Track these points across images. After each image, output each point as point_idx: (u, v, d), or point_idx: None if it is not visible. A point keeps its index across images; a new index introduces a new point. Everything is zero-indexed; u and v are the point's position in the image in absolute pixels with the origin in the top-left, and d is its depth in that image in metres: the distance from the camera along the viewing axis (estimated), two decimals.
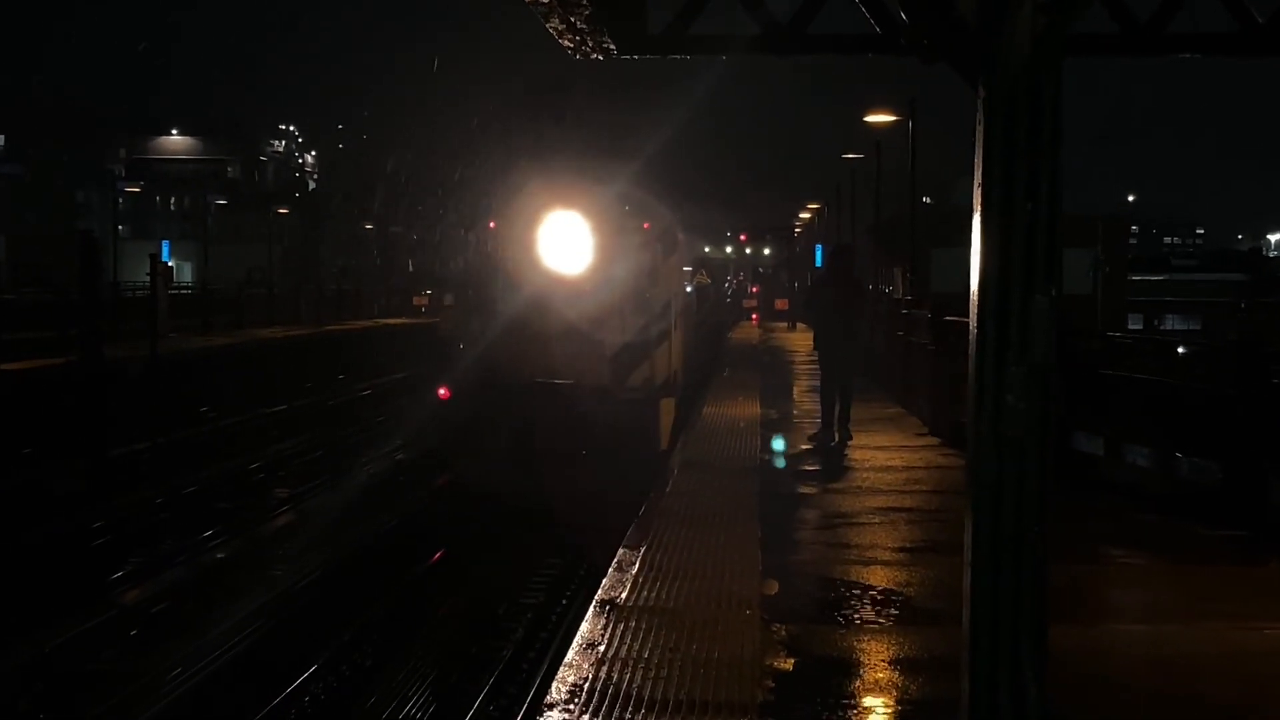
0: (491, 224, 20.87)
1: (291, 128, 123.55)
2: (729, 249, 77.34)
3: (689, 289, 30.30)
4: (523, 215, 19.87)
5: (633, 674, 7.15)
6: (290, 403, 31.96)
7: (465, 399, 19.77)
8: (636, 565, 9.72)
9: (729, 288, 73.03)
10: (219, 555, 17.41)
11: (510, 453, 18.39)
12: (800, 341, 40.87)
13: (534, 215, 19.71)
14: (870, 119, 33.70)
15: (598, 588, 9.25)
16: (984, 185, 4.74)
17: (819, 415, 17.58)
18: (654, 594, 8.89)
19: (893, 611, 8.51)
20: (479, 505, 19.48)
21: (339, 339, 43.00)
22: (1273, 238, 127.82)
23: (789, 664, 7.35)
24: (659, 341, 19.81)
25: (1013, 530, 4.68)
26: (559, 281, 19.56)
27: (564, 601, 14.64)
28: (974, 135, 4.78)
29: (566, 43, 7.69)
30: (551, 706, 6.68)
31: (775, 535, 10.89)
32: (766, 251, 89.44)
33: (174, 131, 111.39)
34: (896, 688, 7.01)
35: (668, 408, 19.58)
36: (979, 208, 4.76)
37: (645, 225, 20.69)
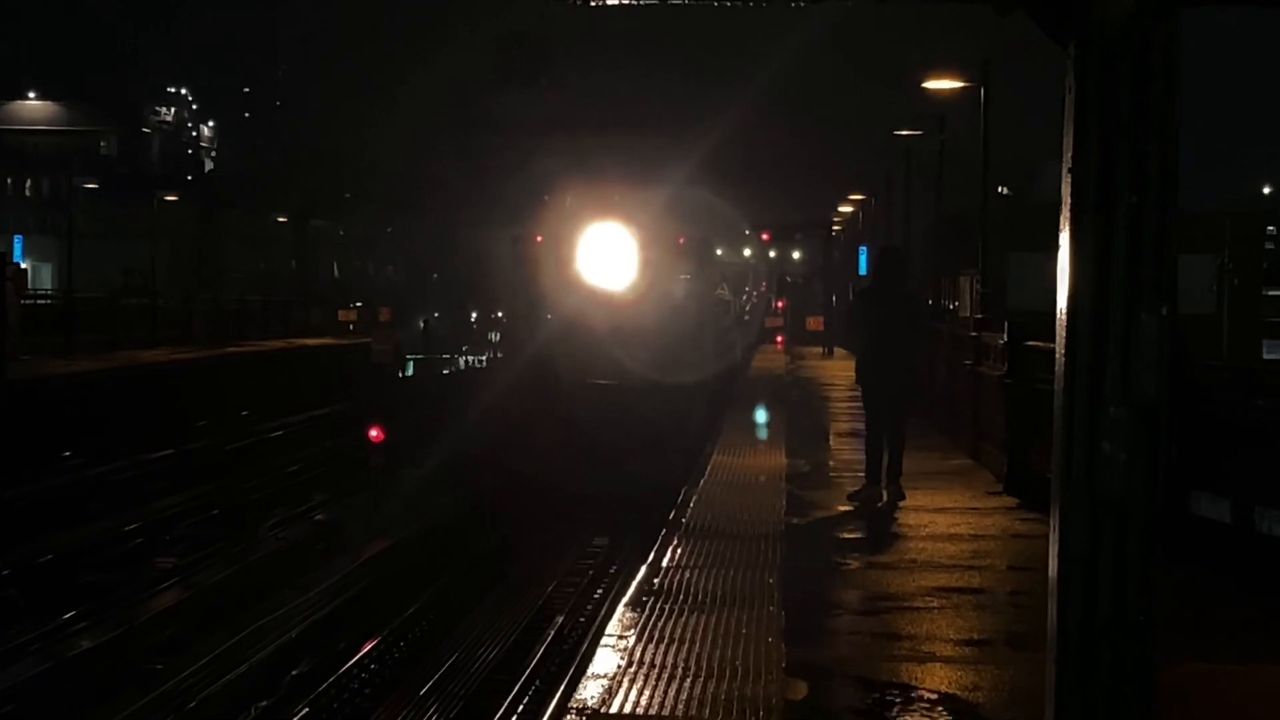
0: (539, 238, 28.36)
1: (184, 91, 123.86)
2: (747, 251, 76.91)
3: (719, 291, 40.52)
4: (567, 229, 27.60)
5: None
6: (178, 446, 31.94)
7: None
8: (624, 660, 9.70)
9: (747, 302, 72.83)
10: (83, 643, 17.35)
11: (565, 444, 25.20)
12: (839, 371, 40.93)
13: (578, 230, 27.53)
14: (931, 85, 33.50)
15: (575, 687, 9.23)
16: (1076, 172, 4.74)
17: (862, 468, 17.58)
18: (647, 699, 8.86)
19: None
20: (424, 575, 19.75)
21: (242, 364, 42.98)
22: None
23: None
24: (693, 344, 28.14)
25: (1110, 617, 4.68)
26: (604, 294, 27.29)
27: (527, 699, 14.61)
28: (1063, 107, 4.79)
29: None
30: None
31: (804, 623, 10.87)
32: (796, 255, 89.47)
33: (31, 95, 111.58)
34: None
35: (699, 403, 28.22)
36: (1069, 201, 4.77)
37: (680, 240, 29.10)
